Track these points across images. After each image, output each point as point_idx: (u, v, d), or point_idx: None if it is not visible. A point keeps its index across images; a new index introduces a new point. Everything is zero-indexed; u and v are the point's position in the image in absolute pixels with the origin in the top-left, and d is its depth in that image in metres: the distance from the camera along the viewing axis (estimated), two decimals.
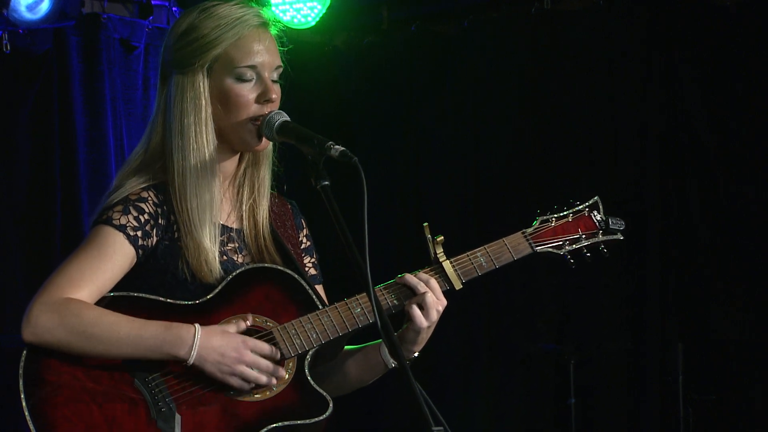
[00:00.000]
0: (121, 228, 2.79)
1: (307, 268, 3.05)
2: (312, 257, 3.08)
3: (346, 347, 2.98)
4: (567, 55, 5.98)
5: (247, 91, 2.84)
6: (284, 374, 2.79)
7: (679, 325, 5.64)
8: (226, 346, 2.72)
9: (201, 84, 2.85)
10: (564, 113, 5.97)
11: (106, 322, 2.70)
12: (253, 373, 2.73)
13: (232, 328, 2.76)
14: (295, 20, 6.12)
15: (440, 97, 6.34)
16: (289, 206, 3.08)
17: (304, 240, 3.07)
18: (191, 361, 2.70)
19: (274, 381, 2.76)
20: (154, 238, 2.83)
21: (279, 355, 2.77)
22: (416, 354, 2.92)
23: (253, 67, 2.84)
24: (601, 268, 5.76)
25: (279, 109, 2.85)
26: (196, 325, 2.72)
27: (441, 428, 2.33)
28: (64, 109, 5.91)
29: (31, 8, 5.68)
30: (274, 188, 3.03)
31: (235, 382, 2.73)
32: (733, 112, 5.56)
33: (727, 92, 5.56)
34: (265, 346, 2.75)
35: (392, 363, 2.90)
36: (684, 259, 5.66)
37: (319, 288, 3.06)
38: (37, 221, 5.91)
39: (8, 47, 5.79)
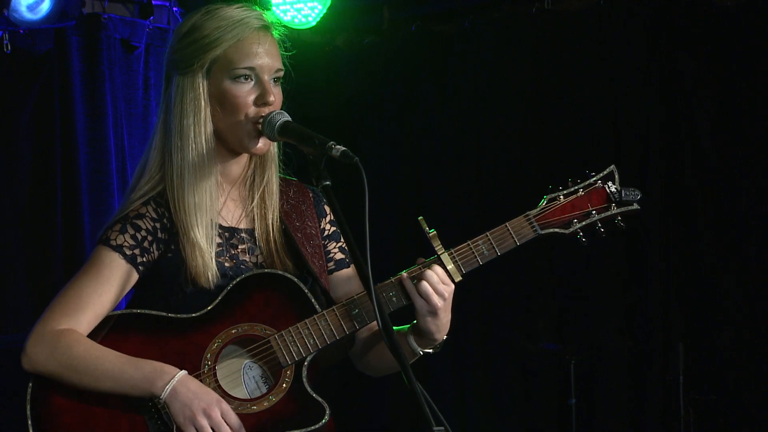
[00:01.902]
0: (118, 248, 2.84)
1: (332, 254, 3.04)
2: (338, 242, 3.06)
3: None
4: (567, 55, 5.98)
5: (245, 93, 2.84)
6: None
7: (681, 324, 5.64)
8: (200, 395, 2.74)
9: (200, 85, 2.86)
10: (565, 113, 5.97)
11: (92, 357, 2.76)
12: None
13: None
14: (296, 20, 6.13)
15: (441, 97, 6.34)
16: (311, 194, 3.07)
17: (328, 227, 3.06)
18: (163, 396, 2.73)
19: None
20: (155, 253, 2.86)
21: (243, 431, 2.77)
22: (438, 346, 2.90)
23: (251, 69, 2.85)
24: (601, 268, 5.79)
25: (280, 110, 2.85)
26: (182, 370, 2.75)
27: (442, 428, 2.33)
28: (64, 109, 5.92)
29: (31, 8, 5.68)
30: (293, 176, 3.03)
31: None
32: (734, 112, 5.55)
33: (727, 92, 5.56)
34: (234, 418, 2.74)
35: (420, 351, 2.90)
36: (685, 259, 5.66)
37: (350, 271, 3.05)
38: (38, 221, 5.91)
39: (9, 47, 5.79)
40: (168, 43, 2.98)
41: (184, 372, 2.75)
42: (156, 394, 2.74)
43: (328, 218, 3.06)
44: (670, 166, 5.71)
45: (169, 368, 2.75)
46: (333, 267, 3.04)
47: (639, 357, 5.74)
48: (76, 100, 5.92)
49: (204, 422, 2.72)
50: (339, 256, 3.05)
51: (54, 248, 5.87)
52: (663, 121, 5.73)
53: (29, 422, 2.77)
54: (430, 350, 2.91)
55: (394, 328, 2.93)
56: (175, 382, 2.73)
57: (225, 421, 2.74)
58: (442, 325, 2.87)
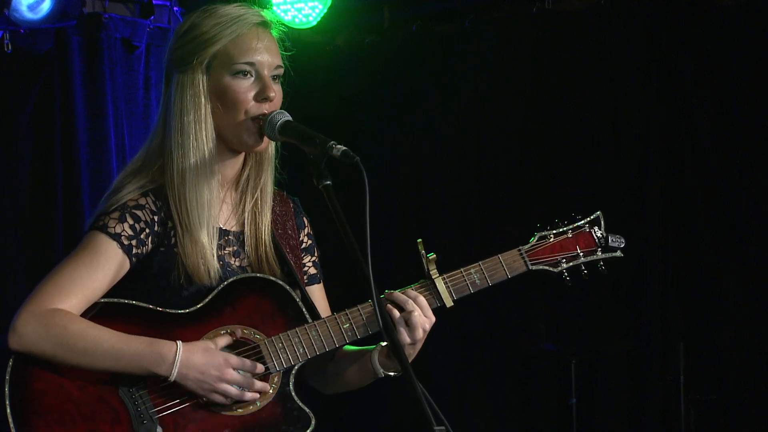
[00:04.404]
0: (116, 237, 2.80)
1: (306, 268, 3.04)
2: (313, 256, 3.07)
3: (349, 347, 2.97)
4: (568, 55, 5.98)
5: (245, 89, 2.83)
6: (268, 389, 2.80)
7: (681, 324, 5.64)
8: (207, 364, 2.73)
9: (200, 81, 2.84)
10: (565, 113, 5.97)
11: (90, 336, 2.72)
12: (234, 391, 2.75)
13: (217, 343, 2.78)
14: (297, 20, 6.13)
15: (441, 97, 6.34)
16: (291, 204, 3.06)
17: (305, 239, 3.06)
18: (172, 378, 2.72)
19: (257, 396, 2.78)
20: (150, 246, 2.83)
21: (263, 369, 2.78)
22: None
23: (251, 64, 2.83)
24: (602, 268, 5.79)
25: (281, 109, 2.85)
26: (178, 343, 2.73)
27: (443, 428, 2.32)
28: (65, 109, 5.92)
29: (32, 8, 5.68)
30: (281, 184, 3.02)
31: (217, 398, 2.75)
32: (734, 112, 5.55)
33: (727, 92, 5.56)
34: (247, 363, 2.76)
35: (381, 373, 2.90)
36: (685, 259, 5.66)
37: (319, 287, 3.07)
38: (39, 221, 5.91)
39: (9, 47, 5.80)
40: (168, 44, 2.97)
41: (180, 345, 2.73)
42: (162, 374, 2.72)
43: (306, 230, 3.06)
44: (670, 166, 5.71)
45: (168, 346, 2.73)
46: (306, 281, 3.04)
47: (639, 357, 5.73)
48: (77, 99, 5.92)
49: (224, 386, 2.73)
50: (312, 270, 3.06)
51: (54, 248, 5.86)
52: (663, 121, 5.73)
53: (7, 402, 2.71)
54: (392, 373, 2.90)
55: (356, 348, 2.96)
56: (179, 362, 2.71)
57: (241, 371, 2.75)
58: (414, 353, 2.89)
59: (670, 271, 5.68)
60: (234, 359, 2.75)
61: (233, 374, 2.74)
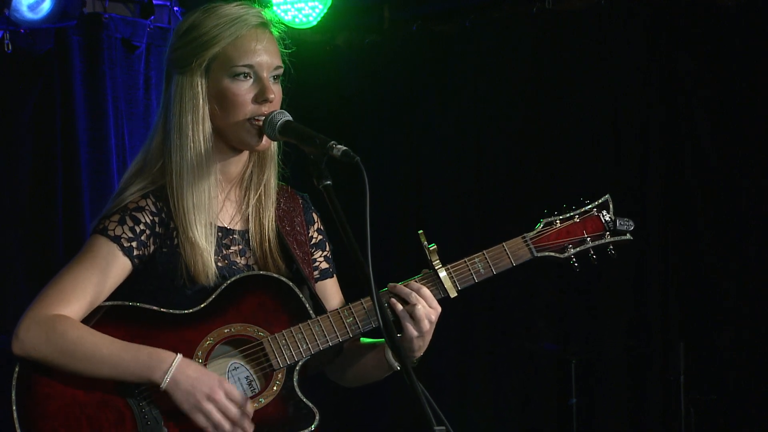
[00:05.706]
0: (116, 239, 2.81)
1: (317, 263, 3.04)
2: (324, 251, 3.06)
3: (365, 340, 2.97)
4: (568, 55, 5.98)
5: (244, 91, 2.83)
6: (249, 428, 2.77)
7: (681, 324, 5.64)
8: (201, 380, 2.73)
9: (199, 83, 2.84)
10: (565, 113, 5.97)
11: (88, 343, 2.73)
12: (218, 416, 2.72)
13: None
14: (297, 20, 6.14)
15: (441, 97, 6.35)
16: (300, 200, 3.06)
17: (315, 235, 3.05)
18: (164, 385, 2.71)
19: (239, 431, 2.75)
20: (152, 247, 2.84)
21: (250, 407, 2.76)
22: (415, 361, 2.89)
23: (250, 67, 2.83)
24: (602, 268, 5.79)
25: (282, 109, 2.85)
26: (178, 354, 2.73)
27: (443, 428, 2.32)
28: (65, 109, 5.92)
29: (32, 8, 5.69)
30: (285, 181, 3.02)
31: (199, 419, 2.73)
32: (734, 112, 5.56)
33: (727, 92, 5.56)
34: (238, 395, 2.74)
35: (396, 366, 2.90)
36: (685, 259, 5.66)
37: (332, 281, 3.06)
38: (39, 221, 5.91)
39: (10, 47, 5.80)
40: (169, 43, 2.97)
41: (179, 357, 2.73)
42: (156, 383, 2.72)
43: (315, 226, 3.06)
44: (670, 166, 5.71)
45: (166, 354, 2.73)
46: (318, 276, 3.04)
47: (639, 357, 5.74)
48: (77, 99, 5.92)
49: (210, 407, 2.71)
50: (324, 265, 3.05)
51: (54, 248, 5.86)
52: (663, 121, 5.73)
53: (14, 407, 2.73)
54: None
55: (372, 340, 2.96)
56: (174, 370, 2.71)
57: (230, 400, 2.73)
58: (424, 345, 2.88)
59: (670, 271, 5.68)
60: (227, 385, 2.74)
61: (223, 399, 2.72)
